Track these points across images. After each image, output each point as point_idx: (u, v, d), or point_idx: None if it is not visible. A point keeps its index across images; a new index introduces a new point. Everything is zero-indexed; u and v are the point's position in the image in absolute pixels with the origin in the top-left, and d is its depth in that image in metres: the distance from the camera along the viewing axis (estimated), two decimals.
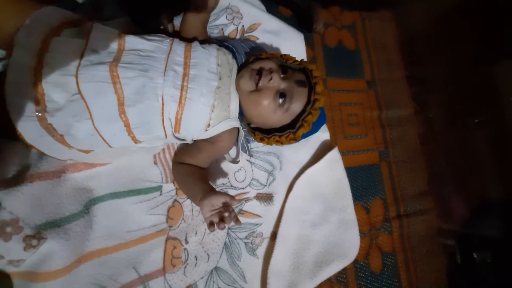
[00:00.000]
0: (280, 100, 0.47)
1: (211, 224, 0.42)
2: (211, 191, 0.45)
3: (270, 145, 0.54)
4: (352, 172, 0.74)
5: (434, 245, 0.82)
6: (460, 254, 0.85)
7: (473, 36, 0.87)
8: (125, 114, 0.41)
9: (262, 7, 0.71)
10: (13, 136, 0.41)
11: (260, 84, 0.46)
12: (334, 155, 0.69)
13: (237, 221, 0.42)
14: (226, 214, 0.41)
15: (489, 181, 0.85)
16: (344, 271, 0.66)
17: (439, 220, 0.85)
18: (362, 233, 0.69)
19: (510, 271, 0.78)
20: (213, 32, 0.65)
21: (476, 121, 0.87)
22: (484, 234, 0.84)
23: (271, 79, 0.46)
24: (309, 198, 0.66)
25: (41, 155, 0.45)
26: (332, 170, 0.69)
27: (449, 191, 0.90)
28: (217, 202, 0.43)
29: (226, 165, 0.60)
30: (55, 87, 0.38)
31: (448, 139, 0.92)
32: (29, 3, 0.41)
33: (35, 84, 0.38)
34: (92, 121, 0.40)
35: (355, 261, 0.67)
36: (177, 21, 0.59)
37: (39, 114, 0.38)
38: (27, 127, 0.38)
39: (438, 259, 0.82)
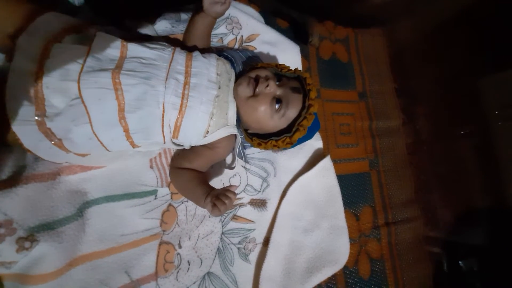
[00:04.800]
0: (277, 106, 0.49)
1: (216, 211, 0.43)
2: (213, 191, 0.46)
3: (267, 149, 0.56)
4: (343, 180, 0.76)
5: (421, 253, 0.84)
6: (447, 262, 0.86)
7: (459, 50, 0.91)
8: (124, 119, 0.42)
9: (261, 19, 0.73)
10: (9, 142, 0.41)
11: (257, 90, 0.48)
12: (326, 163, 0.71)
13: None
14: (226, 200, 0.43)
15: (475, 190, 0.88)
16: (334, 277, 0.67)
17: (425, 228, 0.87)
18: (352, 240, 0.71)
19: (496, 280, 0.80)
20: (213, 41, 0.66)
21: (462, 132, 0.91)
22: (471, 243, 0.86)
23: (267, 85, 0.48)
24: (301, 205, 0.68)
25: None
26: (324, 177, 0.71)
27: (435, 199, 0.93)
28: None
29: (221, 171, 0.61)
30: (56, 92, 0.39)
31: (435, 149, 0.95)
32: (29, 6, 0.42)
33: (35, 90, 0.38)
34: (91, 125, 0.41)
35: (345, 267, 0.69)
36: (177, 28, 0.61)
37: (38, 119, 0.39)
38: (26, 132, 0.39)
39: (425, 266, 0.84)
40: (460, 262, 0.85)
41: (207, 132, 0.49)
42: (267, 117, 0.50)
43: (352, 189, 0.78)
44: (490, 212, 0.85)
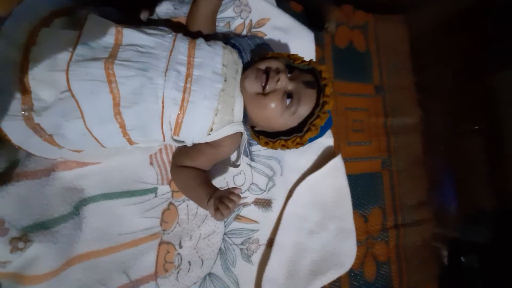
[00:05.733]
0: (287, 101, 0.44)
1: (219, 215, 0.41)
2: (216, 192, 0.43)
3: (275, 149, 0.52)
4: (354, 180, 0.72)
5: (427, 256, 0.82)
6: (448, 257, 0.86)
7: (476, 45, 0.86)
8: (120, 115, 0.38)
9: (272, 1, 0.66)
10: (1, 137, 0.38)
11: (267, 87, 0.44)
12: (337, 162, 0.67)
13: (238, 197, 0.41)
14: (230, 204, 0.40)
15: (486, 189, 0.85)
16: (338, 279, 0.65)
17: (435, 229, 0.85)
18: (358, 242, 0.68)
19: (496, 278, 0.80)
20: (219, 25, 0.60)
21: (476, 127, 0.87)
22: (474, 240, 0.85)
23: (278, 79, 0.43)
24: (308, 206, 0.64)
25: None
26: (333, 178, 0.67)
27: (446, 200, 0.90)
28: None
29: (225, 169, 0.58)
30: (43, 84, 0.35)
31: (449, 147, 0.91)
32: None
33: (21, 81, 0.34)
34: (84, 121, 0.37)
35: (350, 270, 0.66)
36: (180, 10, 0.55)
37: (25, 113, 0.35)
38: (13, 127, 0.35)
39: (431, 269, 0.82)
40: (462, 258, 0.84)
41: (211, 129, 0.44)
42: (276, 114, 0.45)
43: (362, 190, 0.74)
44: (498, 210, 0.83)
